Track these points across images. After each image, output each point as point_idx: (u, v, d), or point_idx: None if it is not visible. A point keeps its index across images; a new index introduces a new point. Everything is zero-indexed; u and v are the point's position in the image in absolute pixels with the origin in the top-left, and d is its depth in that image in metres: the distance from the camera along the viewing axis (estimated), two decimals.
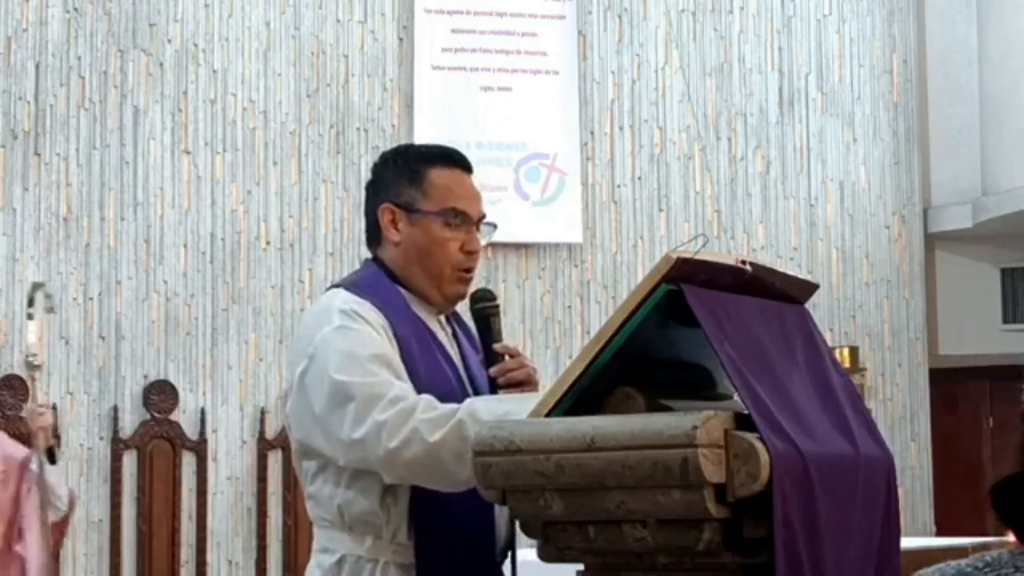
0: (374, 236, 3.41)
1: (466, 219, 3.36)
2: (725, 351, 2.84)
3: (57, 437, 7.33)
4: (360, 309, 3.23)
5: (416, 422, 3.08)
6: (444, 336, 3.39)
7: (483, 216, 3.43)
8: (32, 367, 7.00)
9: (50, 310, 6.94)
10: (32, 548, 6.50)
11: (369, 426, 3.10)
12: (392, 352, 3.22)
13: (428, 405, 3.13)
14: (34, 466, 6.53)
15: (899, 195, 10.93)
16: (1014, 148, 10.77)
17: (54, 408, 8.94)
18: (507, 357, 3.40)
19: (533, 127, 10.15)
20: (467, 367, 3.43)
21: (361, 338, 3.18)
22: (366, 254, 3.54)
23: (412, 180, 3.35)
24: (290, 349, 3.39)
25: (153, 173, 9.35)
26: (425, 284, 3.35)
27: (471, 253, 3.36)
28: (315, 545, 3.42)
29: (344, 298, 3.27)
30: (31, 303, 6.97)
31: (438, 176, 3.37)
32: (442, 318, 3.44)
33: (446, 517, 3.23)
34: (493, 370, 3.37)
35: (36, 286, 6.93)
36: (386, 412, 3.09)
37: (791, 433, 2.78)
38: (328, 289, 3.40)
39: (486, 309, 3.44)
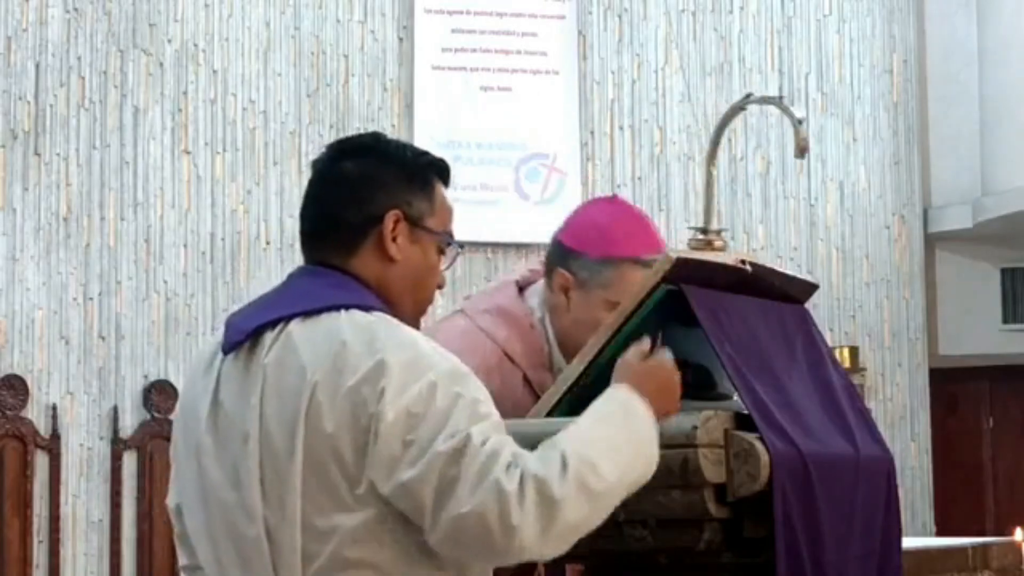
0: (350, 243, 2.72)
1: (453, 250, 2.83)
2: (725, 351, 2.85)
3: None
4: None
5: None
6: None
7: None
8: None
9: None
10: None
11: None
12: None
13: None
14: None
15: (899, 195, 10.93)
16: (1014, 148, 10.76)
17: (54, 409, 8.95)
18: None
19: (533, 127, 10.14)
20: None
21: None
22: None
23: (423, 189, 2.76)
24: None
25: (153, 173, 9.35)
26: (408, 317, 2.73)
27: (440, 288, 2.84)
28: None
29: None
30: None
31: (441, 192, 2.80)
32: None
33: None
34: None
35: None
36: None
37: (791, 433, 2.79)
38: (344, 309, 2.64)
39: None
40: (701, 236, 3.41)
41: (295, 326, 2.63)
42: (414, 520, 2.54)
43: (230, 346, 2.67)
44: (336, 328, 2.59)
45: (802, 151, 3.43)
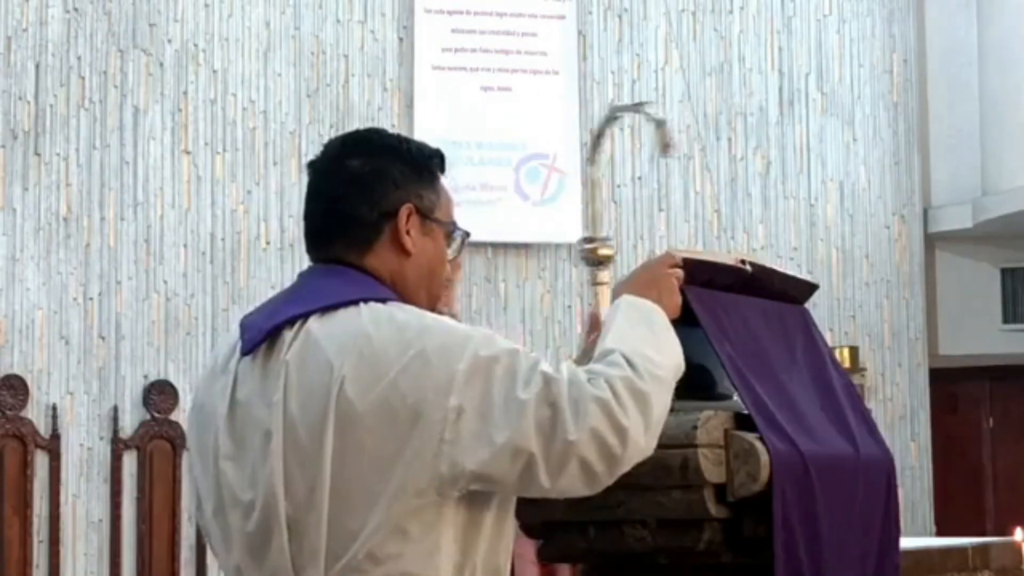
0: (364, 240, 2.69)
1: (460, 236, 2.82)
2: (725, 351, 2.85)
3: None
4: None
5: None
6: None
7: None
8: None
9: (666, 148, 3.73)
10: None
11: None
12: None
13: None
14: None
15: (899, 195, 10.93)
16: (1014, 148, 10.76)
17: (54, 408, 8.96)
18: None
19: (533, 127, 10.14)
20: None
21: None
22: None
23: (430, 181, 2.75)
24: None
25: (153, 173, 9.35)
26: (424, 309, 2.68)
27: (450, 282, 2.81)
28: None
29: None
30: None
31: (443, 182, 2.79)
32: None
33: None
34: None
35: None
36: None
37: (791, 433, 2.79)
38: (363, 302, 2.61)
39: None
40: (587, 244, 3.46)
41: (314, 323, 2.60)
42: (522, 488, 2.53)
43: (249, 346, 2.63)
44: (357, 322, 2.56)
45: (665, 147, 3.51)
